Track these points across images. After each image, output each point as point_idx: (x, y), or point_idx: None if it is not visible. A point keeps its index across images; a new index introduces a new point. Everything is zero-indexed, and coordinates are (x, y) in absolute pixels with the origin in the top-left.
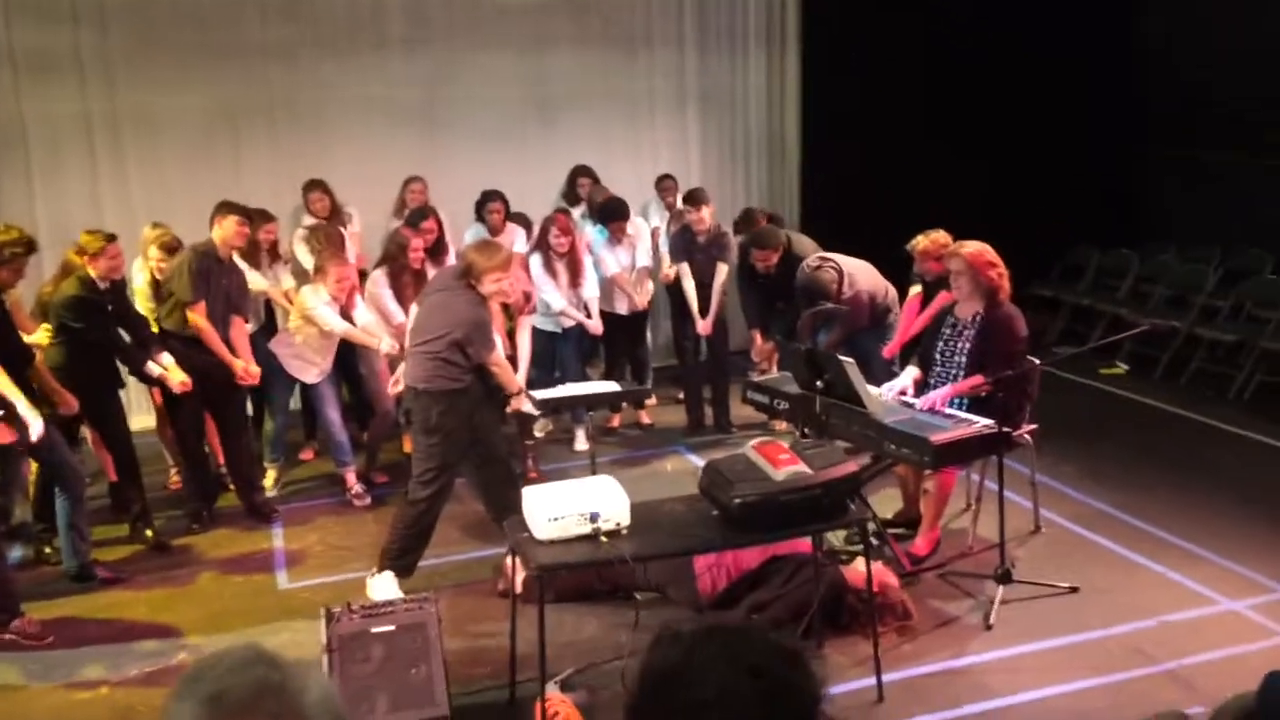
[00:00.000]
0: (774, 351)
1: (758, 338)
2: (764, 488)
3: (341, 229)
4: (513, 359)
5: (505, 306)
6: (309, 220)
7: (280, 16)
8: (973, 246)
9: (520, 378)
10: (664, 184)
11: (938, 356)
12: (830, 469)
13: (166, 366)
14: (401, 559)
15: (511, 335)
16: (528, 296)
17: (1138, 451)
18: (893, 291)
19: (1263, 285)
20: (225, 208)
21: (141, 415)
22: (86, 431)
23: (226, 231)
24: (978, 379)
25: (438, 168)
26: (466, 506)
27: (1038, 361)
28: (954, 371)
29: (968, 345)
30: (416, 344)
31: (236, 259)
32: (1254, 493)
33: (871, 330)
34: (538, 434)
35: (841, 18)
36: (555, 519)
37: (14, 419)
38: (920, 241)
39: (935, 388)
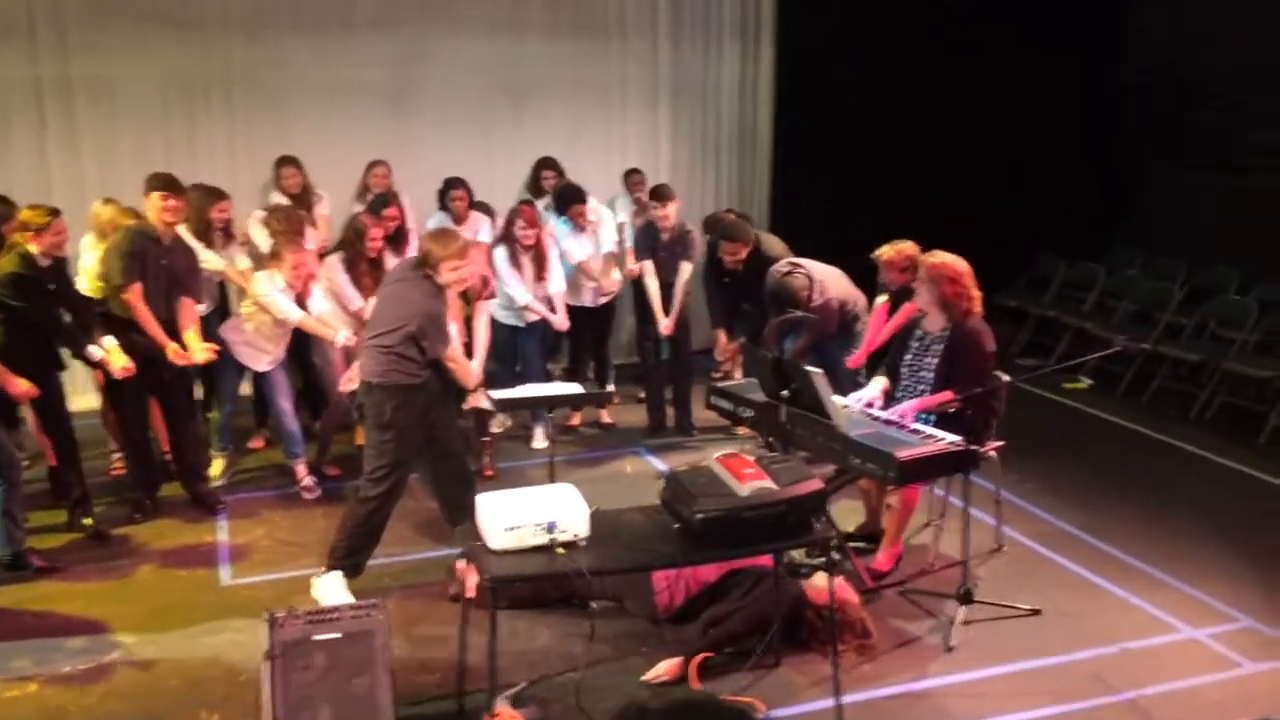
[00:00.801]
0: (738, 351)
1: (722, 337)
2: (727, 503)
3: (303, 211)
4: (469, 346)
5: (463, 293)
6: (277, 197)
7: None
8: (938, 258)
9: (476, 365)
10: (632, 178)
11: (905, 370)
12: (796, 485)
13: (108, 350)
14: (350, 558)
15: (469, 322)
16: (485, 281)
17: (1100, 470)
18: (862, 300)
19: (1227, 305)
20: (150, 181)
21: (85, 396)
22: (26, 413)
23: (153, 207)
24: (947, 395)
25: (402, 152)
26: (420, 504)
27: (1007, 378)
28: (921, 386)
29: (935, 360)
30: (371, 336)
31: (189, 238)
32: (1215, 517)
33: (838, 338)
34: (495, 430)
35: (817, 11)
36: (511, 529)
37: None
38: (885, 252)
39: (902, 401)
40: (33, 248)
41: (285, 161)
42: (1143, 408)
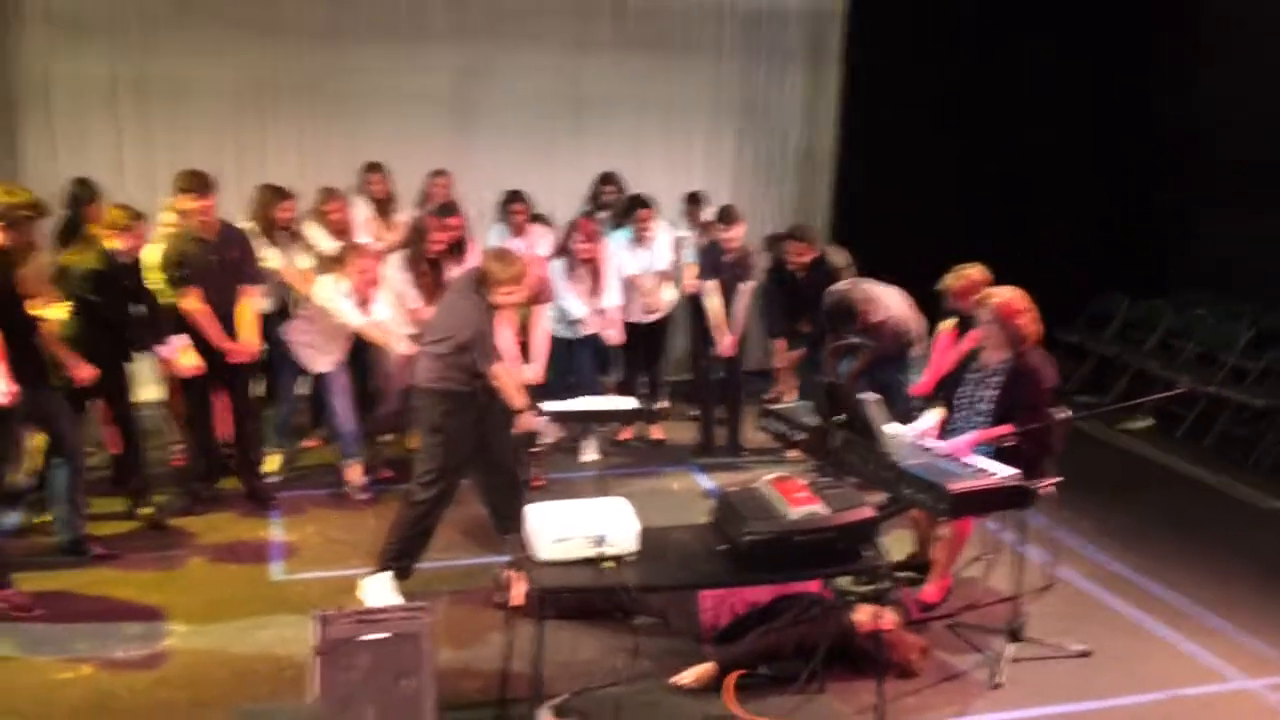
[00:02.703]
0: (797, 360)
1: (780, 345)
2: (776, 526)
3: (381, 217)
4: (523, 348)
5: None
6: (362, 202)
7: None
8: (1002, 295)
9: (537, 370)
10: (692, 210)
11: (961, 401)
12: (847, 512)
13: (179, 349)
14: (399, 561)
15: (524, 326)
16: (544, 283)
17: (1156, 512)
18: (921, 324)
19: None
20: (176, 181)
21: (150, 386)
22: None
23: (185, 208)
24: (1005, 428)
25: (465, 162)
26: (470, 510)
27: (1068, 413)
28: (977, 418)
29: (993, 392)
30: (426, 342)
31: (252, 233)
32: (1274, 565)
33: (895, 361)
34: (546, 441)
35: (884, 39)
36: (561, 540)
37: None
38: (951, 282)
39: (956, 432)
40: (117, 244)
41: (372, 168)
42: (1204, 451)
